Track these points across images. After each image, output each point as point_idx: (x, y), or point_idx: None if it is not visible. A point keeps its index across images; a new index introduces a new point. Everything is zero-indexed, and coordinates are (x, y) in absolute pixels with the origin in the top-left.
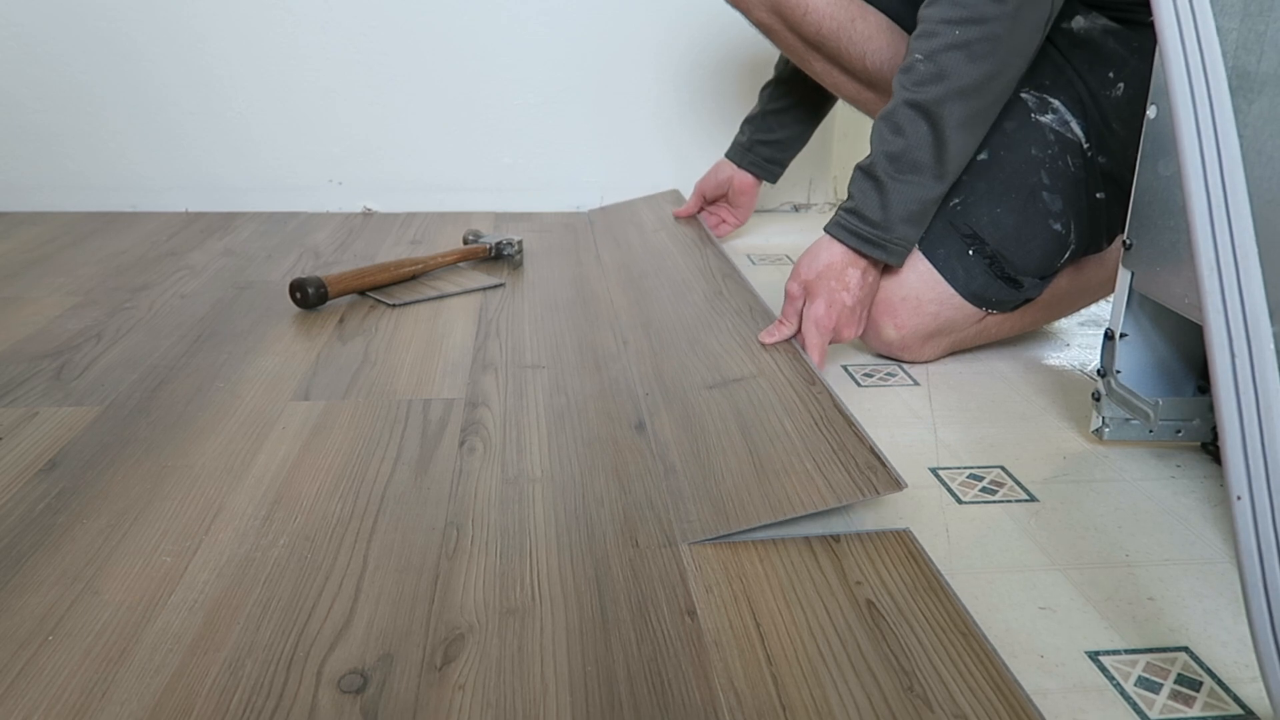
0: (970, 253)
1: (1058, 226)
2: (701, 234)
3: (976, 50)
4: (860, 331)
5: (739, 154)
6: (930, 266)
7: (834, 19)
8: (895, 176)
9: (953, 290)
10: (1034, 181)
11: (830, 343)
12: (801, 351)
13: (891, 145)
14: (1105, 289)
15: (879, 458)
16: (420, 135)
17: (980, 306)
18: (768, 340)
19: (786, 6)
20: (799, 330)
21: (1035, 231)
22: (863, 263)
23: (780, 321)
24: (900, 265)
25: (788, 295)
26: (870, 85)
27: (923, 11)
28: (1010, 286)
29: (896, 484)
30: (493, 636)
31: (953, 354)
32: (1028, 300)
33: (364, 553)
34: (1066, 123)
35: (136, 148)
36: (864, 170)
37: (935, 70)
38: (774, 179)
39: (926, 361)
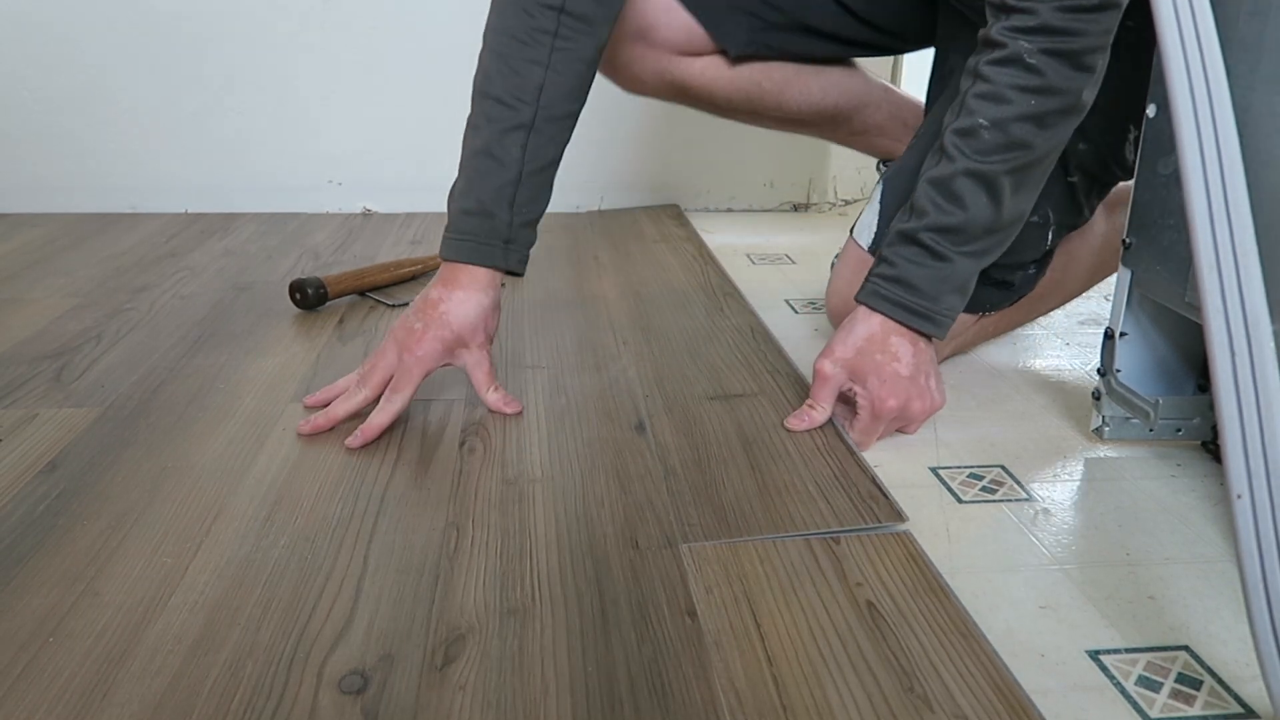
0: None
1: (1034, 219)
2: (702, 250)
3: (1049, 120)
4: (934, 403)
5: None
6: None
7: (739, 90)
8: (955, 249)
9: None
10: None
11: (902, 429)
12: (843, 430)
13: (951, 218)
14: (1102, 265)
15: (880, 489)
16: (420, 135)
17: (976, 312)
18: (796, 427)
19: (691, 92)
20: (847, 417)
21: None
22: (908, 332)
23: (809, 405)
24: (940, 336)
25: (818, 375)
26: (799, 124)
27: (984, 68)
28: (1002, 289)
29: (898, 516)
30: (493, 637)
31: (952, 354)
32: (1023, 295)
33: (364, 553)
34: None
35: (136, 148)
36: (909, 237)
37: (1004, 140)
38: None
39: None
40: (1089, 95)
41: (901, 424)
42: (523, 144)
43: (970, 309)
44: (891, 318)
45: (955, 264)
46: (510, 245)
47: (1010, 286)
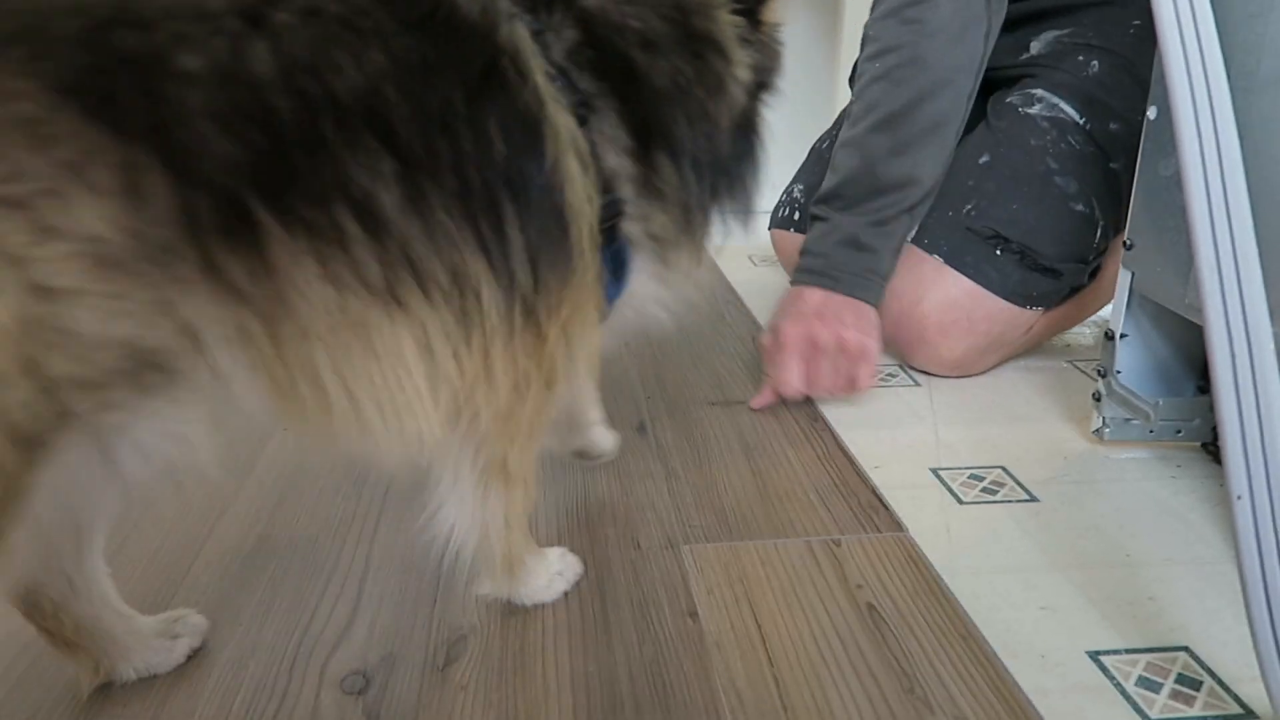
0: (998, 252)
1: (1080, 207)
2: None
3: (897, 76)
4: (846, 336)
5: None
6: (970, 282)
7: None
8: (833, 211)
9: (996, 300)
10: (1042, 169)
11: (852, 385)
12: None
13: (828, 184)
14: None
15: (880, 498)
16: None
17: (1025, 305)
18: (757, 405)
19: None
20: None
21: (1058, 218)
22: (819, 289)
23: (765, 380)
24: (851, 295)
25: (760, 350)
26: None
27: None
28: (1049, 276)
29: (898, 526)
30: (495, 637)
31: (1008, 358)
32: (1075, 290)
33: (366, 554)
34: (1055, 105)
35: None
36: (811, 213)
37: (863, 107)
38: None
39: (979, 373)
40: (931, 48)
41: (845, 371)
42: None
43: (1020, 303)
44: (802, 282)
45: (832, 221)
46: None
47: (1058, 275)
